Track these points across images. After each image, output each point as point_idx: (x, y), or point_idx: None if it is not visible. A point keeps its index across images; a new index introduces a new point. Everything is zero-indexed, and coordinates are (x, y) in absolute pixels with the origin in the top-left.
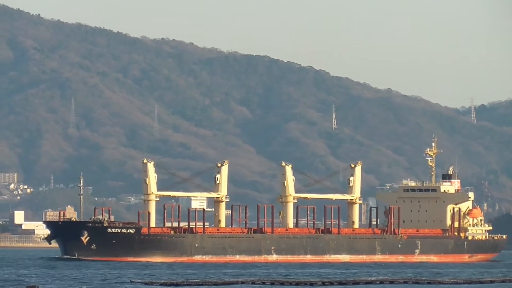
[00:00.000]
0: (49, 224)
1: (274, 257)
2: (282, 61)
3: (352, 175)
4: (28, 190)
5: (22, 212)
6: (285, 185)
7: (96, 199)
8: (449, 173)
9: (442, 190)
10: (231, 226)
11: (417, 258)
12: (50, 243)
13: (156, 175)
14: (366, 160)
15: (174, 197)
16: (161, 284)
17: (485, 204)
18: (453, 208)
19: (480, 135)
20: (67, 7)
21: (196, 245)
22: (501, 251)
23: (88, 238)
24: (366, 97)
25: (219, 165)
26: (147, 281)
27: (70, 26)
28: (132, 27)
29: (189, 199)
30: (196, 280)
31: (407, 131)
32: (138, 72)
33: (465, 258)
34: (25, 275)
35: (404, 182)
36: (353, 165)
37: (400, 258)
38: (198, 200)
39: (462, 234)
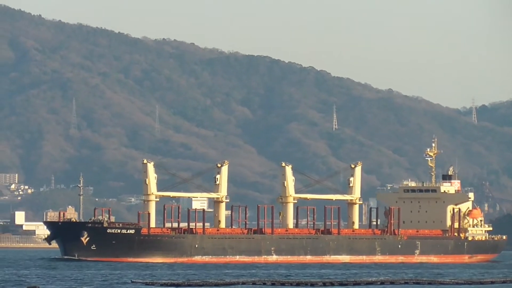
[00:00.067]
0: (49, 225)
1: (274, 258)
2: (283, 61)
3: (352, 175)
4: (29, 191)
5: (23, 212)
6: (285, 185)
7: (97, 199)
8: (449, 174)
9: (442, 191)
10: (231, 227)
11: (417, 258)
12: (50, 244)
13: (156, 176)
14: (367, 161)
15: (174, 197)
16: (162, 285)
17: (486, 205)
18: (453, 209)
19: (481, 136)
20: (68, 8)
21: (196, 246)
22: (501, 251)
23: (88, 238)
24: (367, 98)
25: (219, 165)
26: (147, 281)
27: (71, 26)
28: (133, 27)
29: (190, 200)
30: (197, 281)
31: (408, 132)
32: (139, 73)
33: (465, 258)
34: (26, 275)
35: (404, 182)
36: (353, 166)
37: (400, 258)
38: (199, 201)
39: (462, 235)
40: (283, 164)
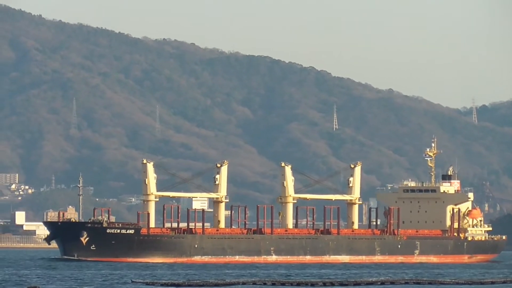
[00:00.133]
0: (49, 225)
1: (273, 258)
2: (283, 61)
3: (352, 175)
4: (30, 191)
5: (23, 212)
6: (285, 185)
7: (97, 199)
8: (449, 174)
9: (441, 191)
10: (231, 227)
11: (417, 258)
12: (49, 244)
13: (156, 176)
14: (367, 161)
15: (174, 197)
16: (162, 285)
17: (486, 205)
18: (453, 209)
19: (482, 136)
20: (69, 8)
21: (196, 246)
22: (501, 251)
23: (87, 238)
24: (367, 98)
25: (218, 165)
26: (148, 281)
27: (72, 26)
28: (133, 27)
29: (190, 200)
30: (197, 281)
31: (409, 132)
32: (139, 73)
33: (465, 258)
34: (26, 275)
35: (404, 182)
36: (352, 166)
37: (400, 258)
38: (199, 201)
39: (461, 235)
40: (283, 164)
